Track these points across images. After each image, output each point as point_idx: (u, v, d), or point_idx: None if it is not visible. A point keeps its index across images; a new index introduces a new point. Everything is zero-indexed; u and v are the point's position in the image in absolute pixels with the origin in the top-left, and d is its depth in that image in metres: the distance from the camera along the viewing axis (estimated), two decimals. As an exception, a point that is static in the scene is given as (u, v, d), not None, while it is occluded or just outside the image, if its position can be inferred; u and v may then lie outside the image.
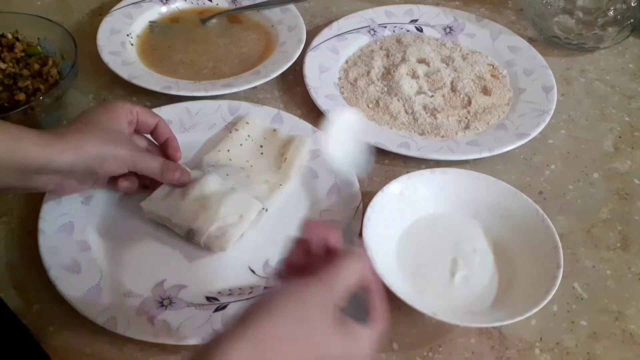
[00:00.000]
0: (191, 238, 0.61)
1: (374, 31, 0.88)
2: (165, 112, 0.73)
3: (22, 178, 0.54)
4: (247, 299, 0.57)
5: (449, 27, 0.89)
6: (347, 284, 0.43)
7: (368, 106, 0.77)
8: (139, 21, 0.87)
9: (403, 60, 0.82)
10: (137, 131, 0.63)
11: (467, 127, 0.75)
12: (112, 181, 0.62)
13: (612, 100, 0.82)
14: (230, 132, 0.71)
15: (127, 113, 0.60)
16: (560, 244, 0.58)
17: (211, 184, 0.63)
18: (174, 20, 0.90)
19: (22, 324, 0.55)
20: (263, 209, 0.63)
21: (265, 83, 0.79)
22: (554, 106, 0.76)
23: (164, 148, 0.65)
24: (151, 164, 0.61)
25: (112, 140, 0.58)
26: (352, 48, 0.86)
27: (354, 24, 0.88)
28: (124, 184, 0.62)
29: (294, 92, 0.80)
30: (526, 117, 0.75)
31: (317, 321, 0.41)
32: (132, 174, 0.62)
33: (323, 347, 0.41)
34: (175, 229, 0.62)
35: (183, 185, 0.63)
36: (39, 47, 0.78)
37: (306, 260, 0.45)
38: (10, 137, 0.53)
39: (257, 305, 0.41)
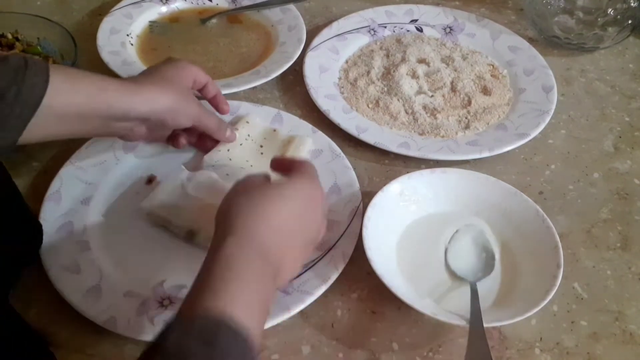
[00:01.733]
0: (191, 239, 0.61)
1: (374, 31, 0.88)
2: (165, 112, 0.73)
3: (104, 125, 0.58)
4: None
5: (449, 27, 0.89)
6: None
7: (368, 106, 0.77)
8: (139, 21, 0.87)
9: (403, 60, 0.82)
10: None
11: (467, 127, 0.75)
12: (170, 137, 0.68)
13: (612, 100, 0.82)
14: None
15: (191, 73, 0.64)
16: (560, 244, 0.59)
17: (211, 184, 0.63)
18: (174, 20, 0.90)
19: (26, 323, 0.55)
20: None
21: (265, 83, 0.79)
22: (554, 106, 0.76)
23: (213, 103, 0.69)
24: (212, 120, 0.66)
25: (184, 96, 0.62)
26: (352, 48, 0.86)
27: (354, 24, 0.88)
28: (183, 140, 0.68)
29: (294, 92, 0.80)
30: (526, 117, 0.75)
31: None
32: (186, 131, 0.67)
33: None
34: (175, 230, 0.62)
35: (230, 141, 0.69)
36: (39, 47, 0.78)
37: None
38: (96, 88, 0.56)
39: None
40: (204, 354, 0.37)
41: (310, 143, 0.70)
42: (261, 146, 0.70)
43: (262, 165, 0.68)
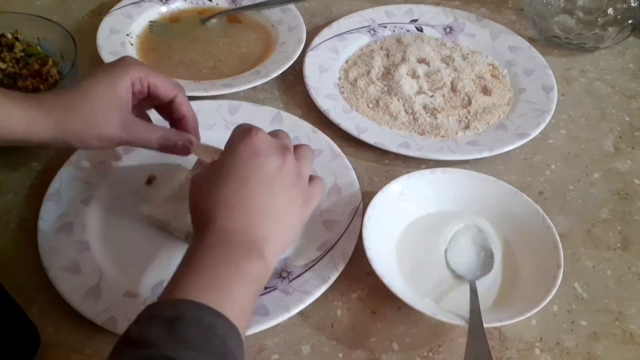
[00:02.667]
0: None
1: (374, 31, 0.88)
2: (165, 112, 0.73)
3: (8, 143, 0.55)
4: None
5: (449, 27, 0.89)
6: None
7: (368, 106, 0.77)
8: (138, 21, 0.87)
9: (403, 60, 0.82)
10: (150, 100, 0.60)
11: (467, 127, 0.75)
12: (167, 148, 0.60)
13: (612, 100, 0.82)
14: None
15: (134, 82, 0.56)
16: (560, 244, 0.58)
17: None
18: (174, 20, 0.90)
19: (16, 302, 0.54)
20: None
21: (265, 83, 0.79)
22: (554, 106, 0.76)
23: (177, 126, 0.60)
24: (146, 138, 0.57)
25: (98, 118, 0.55)
26: (352, 48, 0.86)
27: (354, 24, 0.88)
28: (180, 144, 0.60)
29: (294, 92, 0.80)
30: (526, 117, 0.75)
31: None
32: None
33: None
34: (175, 232, 0.62)
35: (185, 153, 0.58)
36: (38, 47, 0.78)
37: None
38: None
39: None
40: (165, 339, 0.38)
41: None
42: None
43: None
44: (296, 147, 0.53)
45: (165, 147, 0.58)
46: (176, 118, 0.60)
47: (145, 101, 0.60)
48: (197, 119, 0.62)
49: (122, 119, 0.56)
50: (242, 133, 0.50)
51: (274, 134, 0.53)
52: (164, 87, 0.59)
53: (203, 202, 0.48)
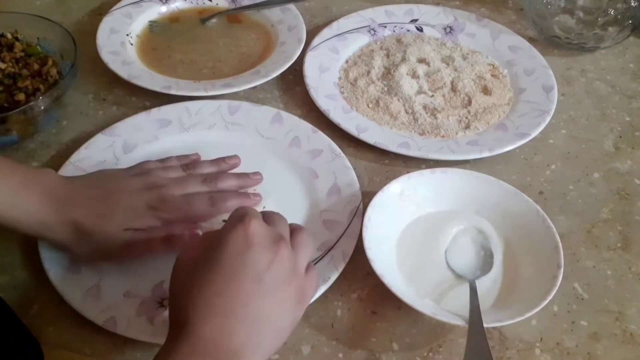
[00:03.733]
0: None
1: (374, 31, 0.88)
2: (165, 112, 0.73)
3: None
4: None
5: (449, 27, 0.89)
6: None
7: (368, 106, 0.77)
8: (138, 21, 0.87)
9: (403, 60, 0.82)
10: None
11: (467, 127, 0.75)
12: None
13: (612, 100, 0.82)
14: None
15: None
16: (560, 244, 0.58)
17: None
18: (174, 20, 0.90)
19: (11, 309, 0.55)
20: (263, 207, 0.63)
21: (265, 83, 0.79)
22: (554, 106, 0.76)
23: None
24: (142, 252, 0.58)
25: (103, 252, 0.56)
26: (352, 48, 0.86)
27: (354, 24, 0.88)
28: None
29: (293, 91, 0.80)
30: (526, 117, 0.75)
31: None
32: None
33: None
34: None
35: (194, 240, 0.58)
36: (38, 47, 0.78)
37: None
38: (8, 211, 0.54)
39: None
40: None
41: (269, 199, 0.65)
42: None
43: None
44: (293, 233, 0.49)
45: (172, 248, 0.58)
46: None
47: None
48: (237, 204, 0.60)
49: (126, 243, 0.56)
50: (236, 220, 0.45)
51: (269, 218, 0.49)
52: (194, 217, 0.59)
53: (183, 295, 0.44)
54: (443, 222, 0.63)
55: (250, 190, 0.65)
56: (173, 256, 0.60)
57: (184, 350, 0.41)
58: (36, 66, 0.75)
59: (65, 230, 0.55)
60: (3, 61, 0.74)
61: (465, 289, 0.58)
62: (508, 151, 0.71)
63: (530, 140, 0.72)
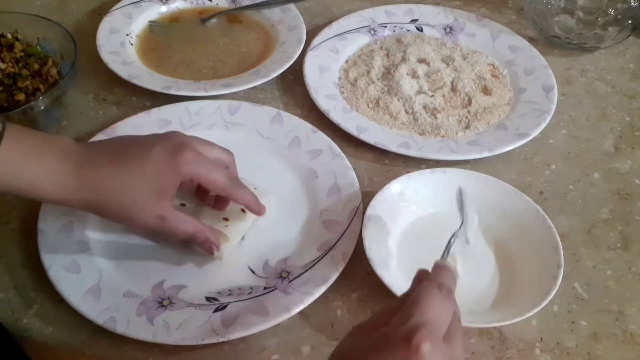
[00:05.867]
0: (187, 246, 0.61)
1: (374, 31, 0.88)
2: (165, 112, 0.73)
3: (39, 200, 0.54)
4: (247, 299, 0.57)
5: (449, 27, 0.89)
6: None
7: (368, 106, 0.77)
8: (138, 21, 0.87)
9: (403, 60, 0.82)
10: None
11: (467, 127, 0.75)
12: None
13: (612, 100, 0.82)
14: None
15: (183, 181, 0.54)
16: (560, 244, 0.58)
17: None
18: (174, 20, 0.90)
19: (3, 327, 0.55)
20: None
21: (265, 83, 0.79)
22: (554, 106, 0.76)
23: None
24: (178, 232, 0.56)
25: (135, 211, 0.53)
26: (352, 48, 0.86)
27: (354, 24, 0.88)
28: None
29: (293, 91, 0.80)
30: (526, 117, 0.75)
31: None
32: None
33: None
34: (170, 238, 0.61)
35: (209, 254, 0.59)
36: (38, 47, 0.78)
37: None
38: (28, 181, 0.50)
39: None
40: None
41: (271, 199, 0.65)
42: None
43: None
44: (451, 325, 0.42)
45: (196, 241, 0.57)
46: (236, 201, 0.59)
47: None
48: (254, 200, 0.59)
49: (158, 213, 0.54)
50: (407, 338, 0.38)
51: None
52: (216, 187, 0.56)
53: None
54: (443, 222, 0.63)
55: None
56: (173, 256, 0.61)
57: None
58: (36, 66, 0.75)
59: (88, 192, 0.51)
60: (3, 61, 0.74)
61: (465, 289, 0.58)
62: (508, 151, 0.71)
63: (530, 140, 0.72)
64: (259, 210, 0.61)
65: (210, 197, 0.62)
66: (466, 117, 0.76)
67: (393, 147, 0.71)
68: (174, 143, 0.54)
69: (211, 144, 0.58)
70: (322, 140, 0.71)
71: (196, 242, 0.58)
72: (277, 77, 0.79)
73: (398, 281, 0.58)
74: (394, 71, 0.80)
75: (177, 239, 0.57)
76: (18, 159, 0.50)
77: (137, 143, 0.55)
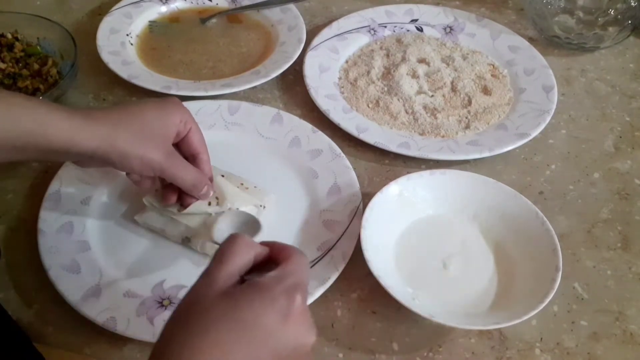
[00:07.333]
0: (187, 243, 0.61)
1: (374, 31, 0.88)
2: (165, 112, 0.73)
3: (44, 155, 0.52)
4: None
5: (449, 27, 0.89)
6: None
7: (368, 106, 0.77)
8: (138, 21, 0.87)
9: (403, 60, 0.82)
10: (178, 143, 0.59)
11: (467, 127, 0.75)
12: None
13: (612, 100, 0.82)
14: None
15: (180, 123, 0.56)
16: (559, 247, 0.58)
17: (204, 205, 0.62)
18: (174, 20, 0.90)
19: (16, 323, 0.55)
20: (261, 206, 0.63)
21: (265, 83, 0.79)
22: (554, 106, 0.76)
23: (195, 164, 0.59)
24: (182, 176, 0.56)
25: (146, 140, 0.53)
26: (352, 48, 0.86)
27: (354, 24, 0.88)
28: (145, 182, 0.58)
29: (294, 91, 0.80)
30: (526, 117, 0.75)
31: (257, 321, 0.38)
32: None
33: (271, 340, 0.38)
34: (170, 237, 0.62)
35: (204, 199, 0.60)
36: (38, 47, 0.78)
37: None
38: (35, 123, 0.49)
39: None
40: None
41: (271, 199, 0.65)
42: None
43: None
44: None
45: (192, 192, 0.58)
46: (190, 155, 0.59)
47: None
48: (202, 180, 0.59)
49: (166, 148, 0.55)
50: (288, 293, 0.39)
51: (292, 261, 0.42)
52: (199, 138, 0.59)
53: (189, 333, 0.38)
54: (442, 224, 0.63)
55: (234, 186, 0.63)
56: (173, 257, 0.61)
57: None
58: (36, 66, 0.75)
59: (97, 124, 0.51)
60: (3, 61, 0.74)
61: (464, 290, 0.58)
62: (508, 151, 0.71)
63: (530, 140, 0.72)
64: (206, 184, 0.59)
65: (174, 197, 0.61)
66: (466, 117, 0.76)
67: (393, 147, 0.71)
68: (173, 98, 0.58)
69: None
70: (322, 140, 0.71)
71: (198, 187, 0.58)
72: (277, 77, 0.79)
73: (396, 282, 0.58)
74: (394, 71, 0.80)
75: (184, 183, 0.57)
76: (24, 102, 0.50)
77: (144, 103, 0.57)
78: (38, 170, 0.70)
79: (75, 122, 0.51)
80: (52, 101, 0.70)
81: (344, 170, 0.68)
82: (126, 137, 0.52)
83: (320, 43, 0.84)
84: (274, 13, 0.89)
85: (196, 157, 0.59)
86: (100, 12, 0.90)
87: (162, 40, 0.86)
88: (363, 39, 0.87)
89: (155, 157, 0.54)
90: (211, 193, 0.60)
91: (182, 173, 0.57)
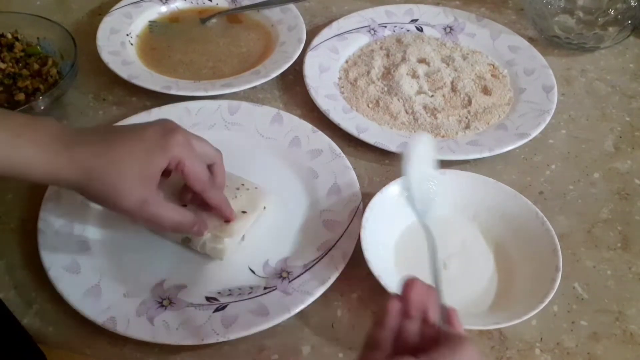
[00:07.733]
0: (187, 244, 0.61)
1: (374, 31, 0.88)
2: (165, 112, 0.73)
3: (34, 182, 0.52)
4: (247, 299, 0.57)
5: (449, 27, 0.89)
6: None
7: (368, 106, 0.77)
8: (138, 21, 0.87)
9: (403, 60, 0.82)
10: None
11: (467, 127, 0.75)
12: None
13: (612, 100, 0.82)
14: None
15: (169, 164, 0.53)
16: (559, 247, 0.58)
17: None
18: (174, 20, 0.90)
19: (18, 322, 0.55)
20: (263, 207, 0.63)
21: (265, 83, 0.79)
22: (554, 106, 0.76)
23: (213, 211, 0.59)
24: (160, 221, 0.54)
25: (120, 190, 0.51)
26: (352, 48, 0.86)
27: (354, 24, 0.88)
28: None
29: (294, 91, 0.80)
30: (526, 117, 0.75)
31: None
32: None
33: None
34: (171, 238, 0.62)
35: (199, 235, 0.59)
36: (38, 47, 0.78)
37: (399, 323, 0.43)
38: (9, 157, 0.49)
39: None
40: None
41: (269, 199, 0.64)
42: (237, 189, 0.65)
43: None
44: None
45: (178, 231, 0.57)
46: (207, 201, 0.58)
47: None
48: (225, 204, 0.59)
49: (142, 197, 0.52)
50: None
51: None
52: (194, 179, 0.55)
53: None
54: (441, 224, 0.63)
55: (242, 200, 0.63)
56: (173, 256, 0.61)
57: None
58: (36, 66, 0.75)
59: (75, 170, 0.51)
60: (3, 61, 0.74)
61: (463, 290, 0.58)
62: (508, 151, 0.71)
63: (530, 140, 0.72)
64: (228, 215, 0.59)
65: (189, 198, 0.60)
66: (466, 117, 0.76)
67: (393, 147, 0.71)
68: (167, 127, 0.54)
69: (201, 138, 0.58)
70: (322, 140, 0.71)
71: (183, 229, 0.56)
72: (277, 77, 0.79)
73: (396, 282, 0.58)
74: (394, 71, 0.80)
75: (164, 226, 0.55)
76: (7, 138, 0.49)
77: (130, 127, 0.55)
78: (38, 170, 0.70)
79: (56, 168, 0.50)
80: (52, 101, 0.70)
81: (344, 170, 0.68)
82: (101, 188, 0.51)
83: (320, 43, 0.84)
84: (274, 13, 0.89)
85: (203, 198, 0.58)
86: (100, 12, 0.90)
87: (162, 40, 0.86)
88: (363, 39, 0.87)
89: (127, 206, 0.52)
90: (205, 232, 0.58)
91: (159, 219, 0.54)
